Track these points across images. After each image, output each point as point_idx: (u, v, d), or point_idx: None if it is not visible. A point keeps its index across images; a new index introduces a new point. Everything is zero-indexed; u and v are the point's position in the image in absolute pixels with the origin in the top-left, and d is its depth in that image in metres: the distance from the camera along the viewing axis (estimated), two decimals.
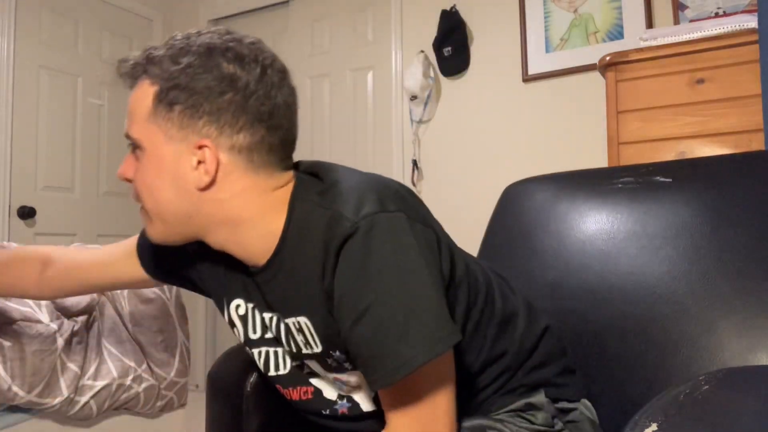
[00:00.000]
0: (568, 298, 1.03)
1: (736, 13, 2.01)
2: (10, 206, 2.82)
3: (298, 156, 0.81)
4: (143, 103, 0.74)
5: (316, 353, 0.77)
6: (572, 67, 2.48)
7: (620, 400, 0.93)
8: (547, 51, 2.55)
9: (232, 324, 0.87)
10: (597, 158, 1.96)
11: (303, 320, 0.76)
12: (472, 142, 2.71)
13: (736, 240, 0.94)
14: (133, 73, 0.75)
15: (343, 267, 0.68)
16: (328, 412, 0.84)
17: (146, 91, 0.73)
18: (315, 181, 0.77)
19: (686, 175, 1.06)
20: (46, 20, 3.01)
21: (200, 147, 0.72)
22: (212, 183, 0.73)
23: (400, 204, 0.71)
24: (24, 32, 2.91)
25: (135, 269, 0.95)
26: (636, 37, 1.96)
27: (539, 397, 0.81)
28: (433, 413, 0.70)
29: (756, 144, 1.54)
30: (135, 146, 0.76)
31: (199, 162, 0.72)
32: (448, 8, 2.74)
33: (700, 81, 1.64)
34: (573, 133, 2.46)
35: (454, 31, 2.72)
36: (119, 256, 0.96)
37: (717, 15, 2.14)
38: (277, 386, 0.87)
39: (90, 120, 3.19)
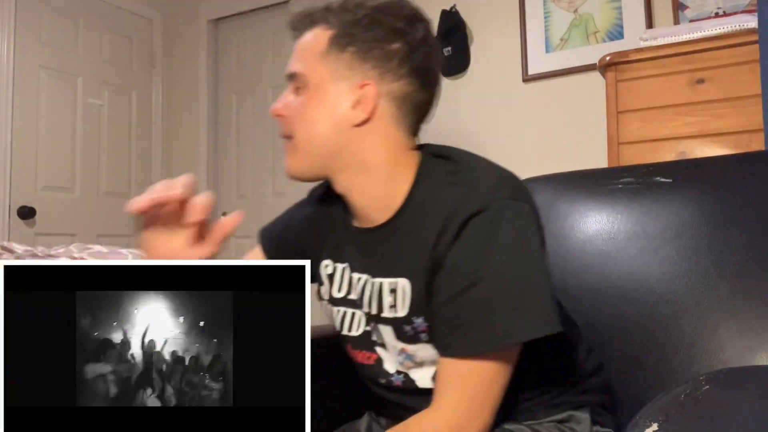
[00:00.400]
0: (568, 298, 1.02)
1: (736, 13, 2.01)
2: (10, 206, 2.82)
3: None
4: (317, 44, 0.81)
5: (397, 318, 0.81)
6: (572, 67, 2.48)
7: (620, 400, 0.93)
8: (547, 51, 2.55)
9: (320, 282, 0.94)
10: (597, 158, 1.96)
11: (402, 282, 0.80)
12: (472, 142, 2.70)
13: (737, 240, 0.94)
14: (311, 20, 0.83)
15: (466, 238, 0.73)
16: (383, 381, 0.87)
17: (321, 35, 0.81)
18: (443, 161, 0.83)
19: (686, 175, 1.06)
20: (46, 20, 3.01)
21: (362, 86, 0.79)
22: (366, 122, 0.80)
23: (528, 198, 0.77)
24: (24, 32, 2.91)
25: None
26: (636, 37, 1.96)
27: (583, 413, 0.85)
28: (483, 402, 0.74)
29: (756, 144, 1.54)
30: (298, 83, 0.82)
31: (357, 103, 0.79)
32: (448, 8, 2.74)
33: (700, 81, 1.64)
34: (573, 133, 2.46)
35: (454, 31, 2.72)
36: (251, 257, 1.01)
37: (717, 15, 2.14)
38: (347, 345, 0.92)
39: (90, 120, 3.19)
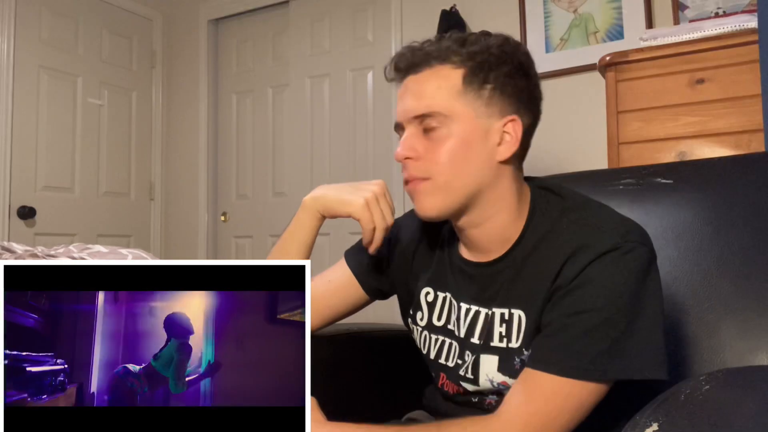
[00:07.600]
0: None
1: (736, 13, 2.01)
2: (10, 206, 2.82)
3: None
4: (449, 84, 0.79)
5: (508, 348, 0.80)
6: (572, 67, 2.47)
7: (620, 401, 0.93)
8: (547, 51, 2.55)
9: (416, 308, 0.93)
10: (597, 158, 1.96)
11: (517, 312, 0.80)
12: None
13: (738, 241, 0.94)
14: (429, 58, 0.80)
15: (593, 270, 0.73)
16: (476, 400, 0.87)
17: (450, 73, 0.79)
18: (552, 195, 0.83)
19: (687, 176, 1.06)
20: (46, 20, 3.01)
21: (506, 123, 0.79)
22: (510, 157, 0.80)
23: (652, 245, 0.77)
24: (24, 32, 2.91)
25: (357, 293, 1.00)
26: (636, 37, 1.96)
27: None
28: (546, 426, 0.71)
29: (756, 144, 1.54)
30: (433, 123, 0.80)
31: (502, 139, 0.80)
32: (448, 8, 2.74)
33: (700, 81, 1.64)
34: (573, 133, 2.46)
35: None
36: (340, 283, 1.00)
37: (717, 15, 2.14)
38: (441, 373, 0.91)
39: (90, 120, 3.19)
